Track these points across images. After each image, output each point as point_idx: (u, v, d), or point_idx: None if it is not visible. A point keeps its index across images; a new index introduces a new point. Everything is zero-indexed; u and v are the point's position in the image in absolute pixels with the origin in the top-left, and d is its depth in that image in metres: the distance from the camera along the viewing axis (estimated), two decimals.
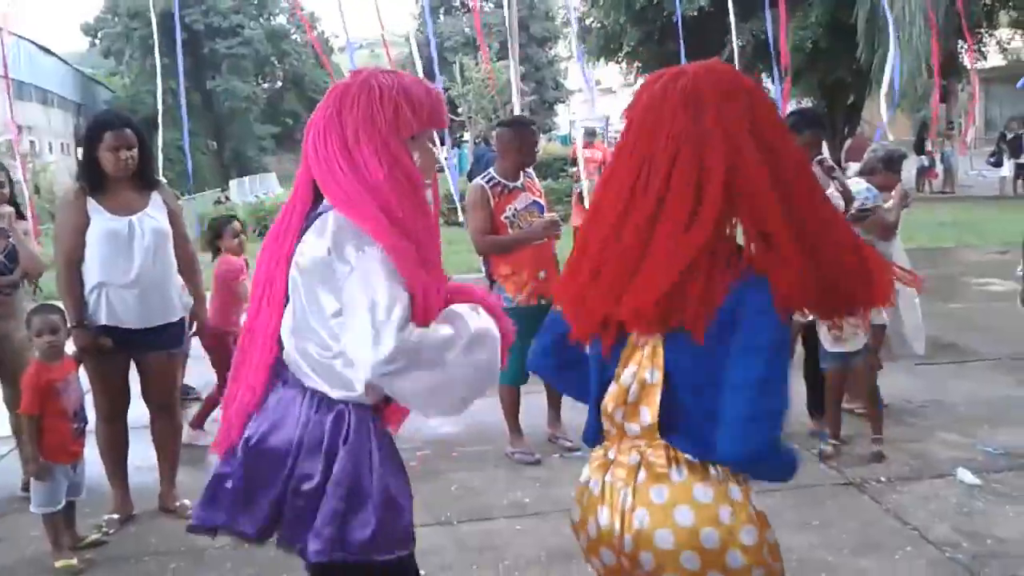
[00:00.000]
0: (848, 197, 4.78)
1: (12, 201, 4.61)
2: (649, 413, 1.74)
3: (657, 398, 1.72)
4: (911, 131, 23.18)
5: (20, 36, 38.90)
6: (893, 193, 4.99)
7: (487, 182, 4.65)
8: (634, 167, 1.72)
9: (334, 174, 2.00)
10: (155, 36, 11.77)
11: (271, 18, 51.26)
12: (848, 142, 19.25)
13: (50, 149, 39.49)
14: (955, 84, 23.01)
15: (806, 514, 3.91)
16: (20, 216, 4.73)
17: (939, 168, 21.01)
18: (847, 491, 4.19)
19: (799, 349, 4.81)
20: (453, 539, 3.82)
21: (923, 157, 20.28)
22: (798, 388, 4.80)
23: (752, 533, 1.68)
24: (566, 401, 4.93)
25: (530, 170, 4.85)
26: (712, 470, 1.70)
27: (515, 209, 4.61)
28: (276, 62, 50.89)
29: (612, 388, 1.80)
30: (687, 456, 1.71)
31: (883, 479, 4.28)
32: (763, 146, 1.66)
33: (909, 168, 21.85)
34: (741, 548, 1.66)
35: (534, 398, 4.92)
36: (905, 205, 5.05)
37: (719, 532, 1.66)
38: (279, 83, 53.13)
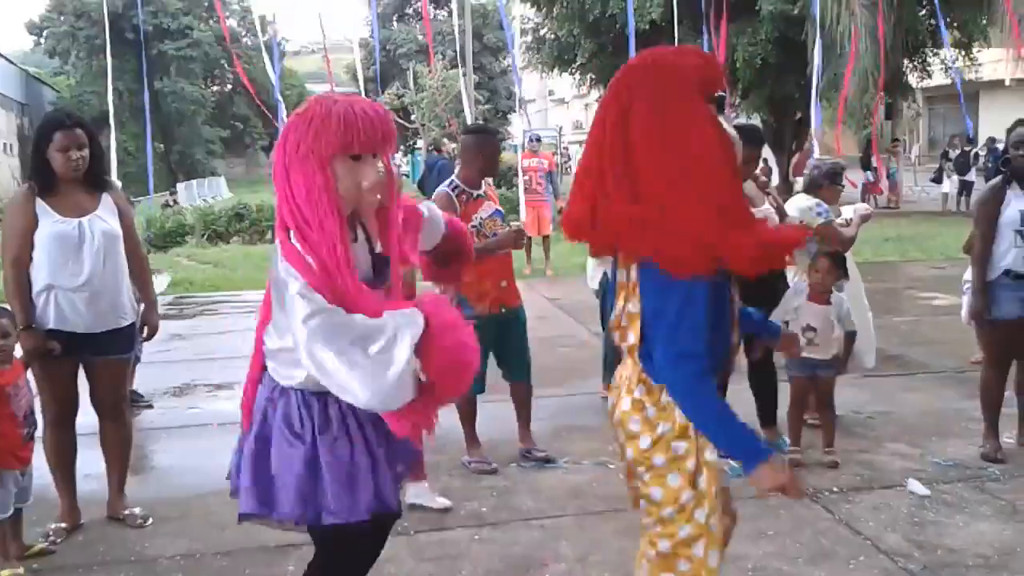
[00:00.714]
0: (782, 213, 4.85)
1: None
2: (633, 336, 2.21)
3: (638, 324, 2.18)
4: (857, 147, 23.62)
5: None
6: (854, 210, 5.13)
7: (452, 189, 4.59)
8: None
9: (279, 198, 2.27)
10: (107, 35, 11.56)
11: (220, 21, 50.71)
12: (795, 157, 19.59)
13: None
14: (900, 102, 23.55)
15: (761, 525, 3.93)
16: None
17: (884, 184, 21.44)
18: (800, 501, 4.22)
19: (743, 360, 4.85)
20: (410, 549, 3.78)
21: (868, 172, 20.69)
22: (747, 398, 4.85)
23: (680, 447, 2.17)
24: (535, 413, 4.94)
25: (487, 179, 4.83)
26: (663, 396, 2.17)
27: (481, 218, 4.57)
28: (226, 65, 50.34)
29: (612, 315, 2.30)
30: (648, 378, 2.19)
31: (835, 489, 4.33)
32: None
33: (855, 182, 22.30)
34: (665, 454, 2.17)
35: (491, 407, 4.90)
36: (865, 220, 5.19)
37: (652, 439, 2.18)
38: (228, 86, 52.56)
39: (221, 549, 3.80)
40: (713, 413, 2.13)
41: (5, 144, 40.85)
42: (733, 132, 2.29)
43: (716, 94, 2.20)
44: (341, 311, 2.13)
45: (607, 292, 2.47)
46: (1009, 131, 5.49)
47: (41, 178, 3.84)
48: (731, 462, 4.59)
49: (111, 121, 10.58)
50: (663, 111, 2.10)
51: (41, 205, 3.79)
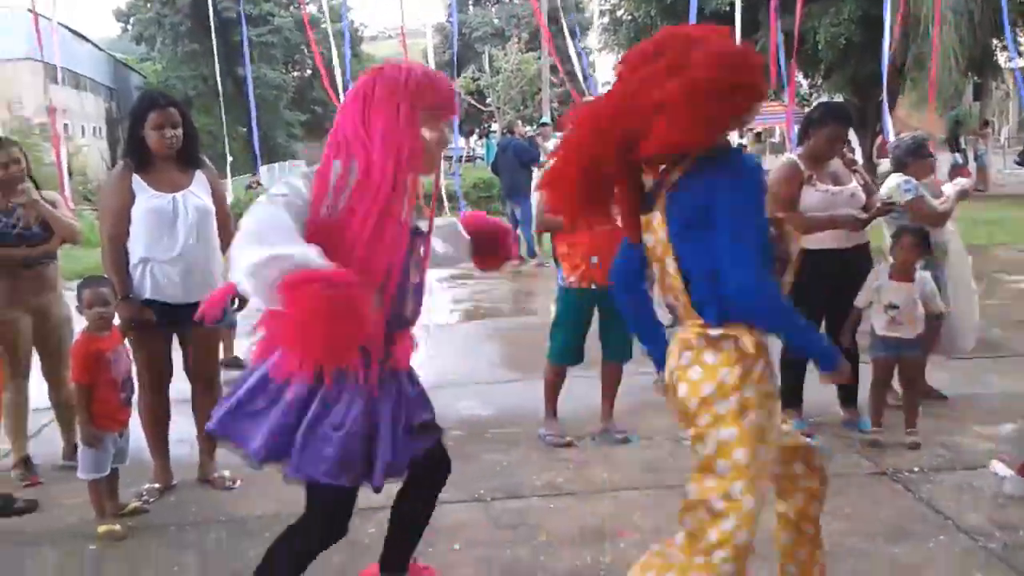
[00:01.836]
0: (869, 190, 4.78)
1: (28, 176, 4.61)
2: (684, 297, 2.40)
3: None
4: (944, 129, 22.95)
5: (54, 20, 39.38)
6: (952, 186, 5.12)
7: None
8: None
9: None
10: (211, 20, 11.80)
11: (300, 7, 51.47)
12: (879, 138, 19.11)
13: (83, 132, 39.87)
14: (989, 82, 22.79)
15: (839, 502, 3.89)
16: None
17: (972, 166, 20.80)
18: (880, 480, 4.19)
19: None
20: (487, 515, 3.87)
21: (956, 155, 20.10)
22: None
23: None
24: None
25: None
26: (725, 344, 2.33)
27: None
28: (306, 50, 51.07)
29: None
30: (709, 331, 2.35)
31: (916, 469, 4.28)
32: None
33: (941, 166, 21.72)
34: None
35: (574, 383, 4.94)
36: (963, 197, 5.10)
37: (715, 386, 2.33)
38: (308, 71, 53.31)
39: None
40: (799, 323, 2.35)
41: (95, 127, 42.22)
42: None
43: None
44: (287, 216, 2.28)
45: None
46: None
47: (137, 155, 4.01)
48: (811, 440, 4.60)
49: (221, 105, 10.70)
50: None
51: (137, 181, 3.96)
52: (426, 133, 2.49)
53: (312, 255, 2.16)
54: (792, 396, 4.87)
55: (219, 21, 39.52)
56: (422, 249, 2.64)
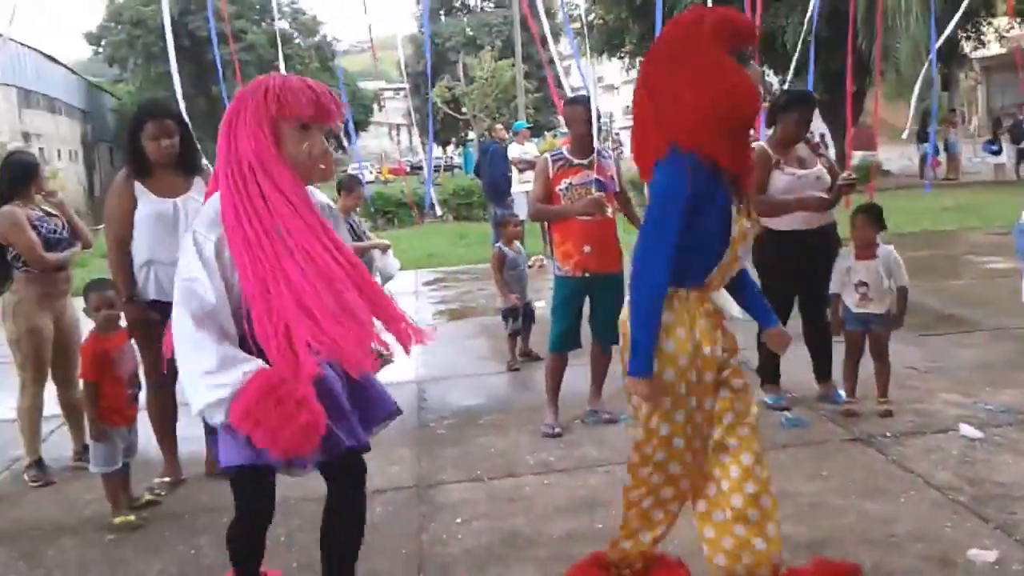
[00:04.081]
0: (834, 173, 4.98)
1: None
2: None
3: None
4: (913, 120, 23.34)
5: (26, 45, 39.26)
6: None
7: (552, 156, 4.91)
8: None
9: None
10: (168, 40, 11.93)
11: (273, 23, 51.53)
12: (850, 132, 19.42)
13: (59, 156, 39.74)
14: (956, 72, 23.21)
15: (817, 466, 4.15)
16: None
17: (942, 156, 21.21)
18: (854, 445, 4.43)
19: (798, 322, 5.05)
20: (485, 493, 4.08)
21: (925, 145, 20.48)
22: (803, 355, 5.05)
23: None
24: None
25: (607, 152, 5.02)
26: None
27: (570, 183, 4.80)
28: (280, 67, 51.11)
29: None
30: None
31: (888, 434, 4.51)
32: None
33: (912, 156, 22.07)
34: None
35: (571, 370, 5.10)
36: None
37: None
38: None
39: (309, 496, 4.11)
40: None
41: (71, 151, 42.06)
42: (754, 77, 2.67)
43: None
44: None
45: None
46: None
47: (136, 164, 4.19)
48: (787, 413, 4.82)
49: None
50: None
51: (139, 188, 4.15)
52: (297, 145, 2.50)
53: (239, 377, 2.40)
54: (770, 373, 5.12)
55: (192, 40, 39.71)
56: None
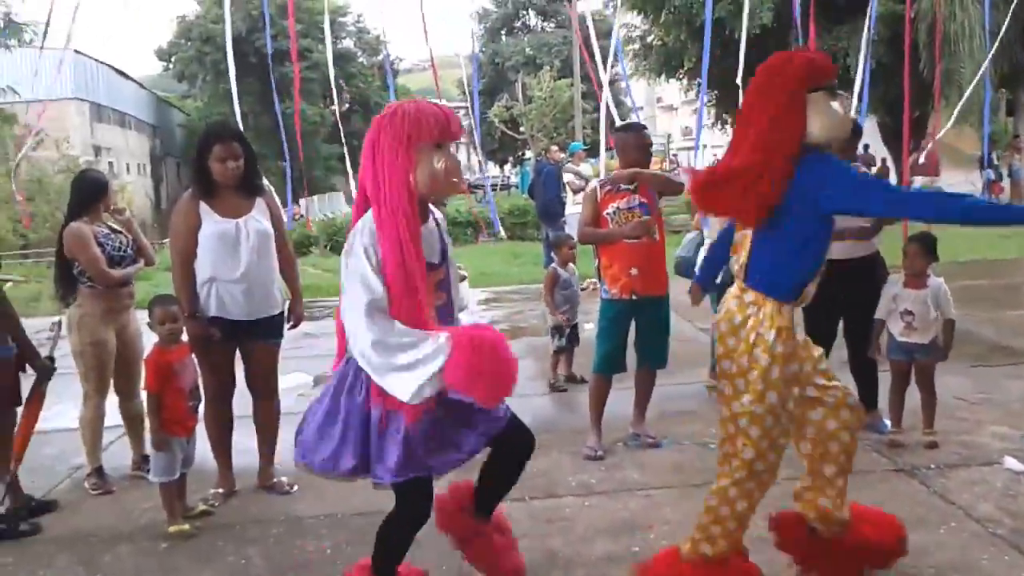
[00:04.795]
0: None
1: None
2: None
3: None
4: (977, 145, 22.97)
5: (99, 60, 40.57)
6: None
7: (599, 182, 5.04)
8: None
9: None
10: (229, 57, 12.26)
11: (338, 42, 52.45)
12: (912, 156, 19.21)
13: (128, 170, 40.88)
14: (1022, 96, 22.78)
15: (859, 496, 4.09)
16: None
17: (1006, 181, 20.83)
18: (898, 476, 4.43)
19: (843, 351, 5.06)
20: (526, 513, 4.16)
21: (989, 170, 20.14)
22: (849, 383, 5.05)
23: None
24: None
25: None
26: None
27: (617, 207, 4.89)
28: (343, 84, 52.00)
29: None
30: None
31: (932, 466, 4.51)
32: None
33: (975, 181, 21.67)
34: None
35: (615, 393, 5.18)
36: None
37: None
38: (346, 105, 54.27)
39: (357, 511, 4.25)
40: None
41: (140, 164, 43.25)
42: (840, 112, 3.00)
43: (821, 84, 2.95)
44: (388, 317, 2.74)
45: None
46: None
47: (202, 184, 4.37)
48: None
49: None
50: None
51: (204, 207, 4.33)
52: (433, 163, 2.78)
53: (442, 342, 2.70)
54: (868, 398, 5.08)
55: (259, 57, 40.57)
56: (441, 273, 3.01)
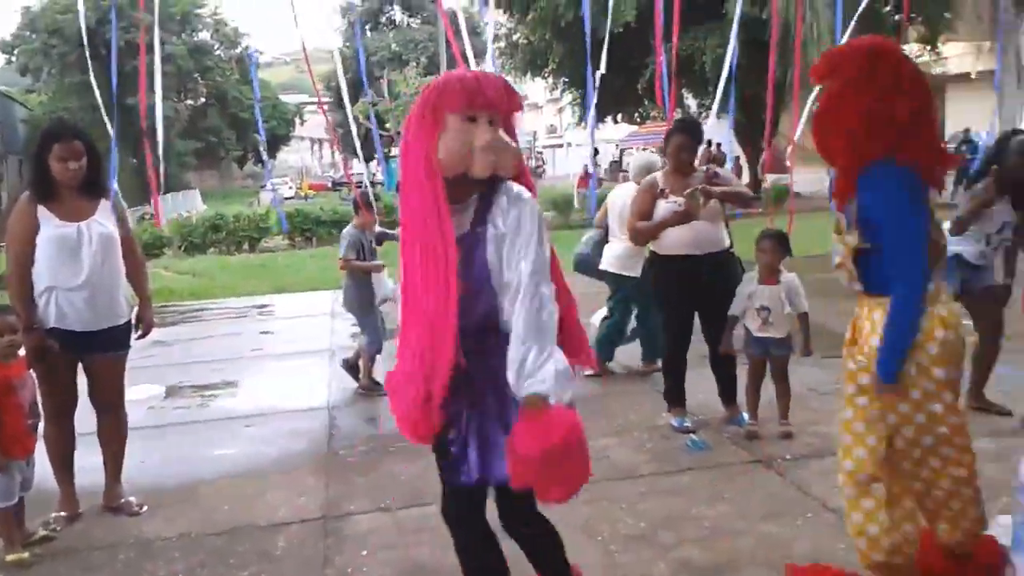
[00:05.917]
0: (732, 199, 5.06)
1: None
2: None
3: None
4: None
5: None
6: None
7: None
8: None
9: None
10: (86, 50, 11.59)
11: (194, 34, 50.75)
12: (763, 155, 20.00)
13: None
14: None
15: (719, 488, 4.25)
16: None
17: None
18: (756, 468, 4.55)
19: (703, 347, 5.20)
20: (393, 522, 4.06)
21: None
22: (710, 378, 5.21)
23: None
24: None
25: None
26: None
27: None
28: (199, 78, 50.35)
29: None
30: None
31: (788, 456, 4.65)
32: None
33: (824, 179, 22.57)
34: None
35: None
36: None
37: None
38: (202, 99, 52.57)
39: (215, 530, 4.06)
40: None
41: None
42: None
43: None
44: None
45: None
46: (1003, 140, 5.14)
47: (41, 186, 4.09)
48: (693, 436, 4.93)
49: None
50: None
51: (42, 211, 4.05)
52: (455, 136, 2.39)
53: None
54: (675, 396, 5.23)
55: (108, 50, 38.81)
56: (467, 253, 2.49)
